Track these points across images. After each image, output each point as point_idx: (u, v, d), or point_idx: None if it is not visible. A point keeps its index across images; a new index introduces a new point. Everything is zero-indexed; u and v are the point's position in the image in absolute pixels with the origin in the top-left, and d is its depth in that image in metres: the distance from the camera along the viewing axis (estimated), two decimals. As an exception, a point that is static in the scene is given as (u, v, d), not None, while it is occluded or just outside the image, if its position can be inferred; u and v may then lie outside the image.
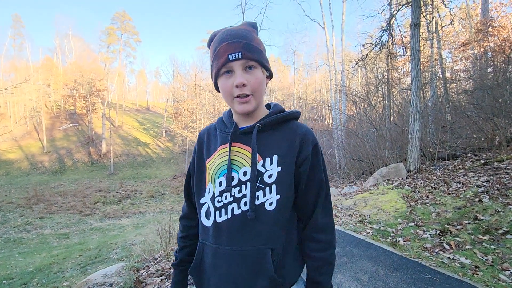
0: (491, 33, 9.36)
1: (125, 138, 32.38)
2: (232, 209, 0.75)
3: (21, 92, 28.41)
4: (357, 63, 9.39)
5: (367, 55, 8.68)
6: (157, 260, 3.13)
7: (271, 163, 0.76)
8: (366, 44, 8.62)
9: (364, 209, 4.64)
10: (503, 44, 8.22)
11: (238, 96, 0.75)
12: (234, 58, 0.72)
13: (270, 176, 0.75)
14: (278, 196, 0.74)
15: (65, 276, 4.26)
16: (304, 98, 31.85)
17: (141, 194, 18.25)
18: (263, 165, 0.76)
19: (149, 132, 35.54)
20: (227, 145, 0.79)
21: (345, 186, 7.56)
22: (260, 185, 0.75)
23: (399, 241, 3.29)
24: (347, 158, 11.42)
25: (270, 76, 0.82)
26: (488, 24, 9.50)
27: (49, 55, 41.92)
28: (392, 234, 3.55)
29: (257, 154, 0.76)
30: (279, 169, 0.75)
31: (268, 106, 0.88)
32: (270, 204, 0.74)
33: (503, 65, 7.42)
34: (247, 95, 0.75)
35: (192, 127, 29.64)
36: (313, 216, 0.80)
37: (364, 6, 24.70)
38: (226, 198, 0.76)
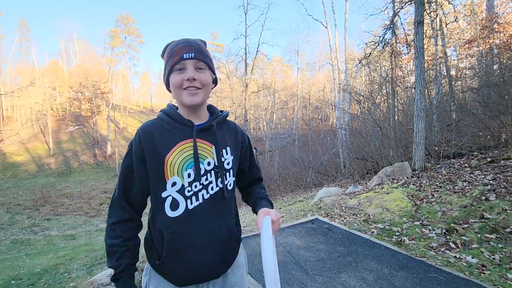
0: (496, 29, 9.21)
1: (130, 140, 32.57)
2: (202, 195, 0.88)
3: (28, 95, 28.81)
4: (360, 61, 9.32)
5: (370, 53, 8.61)
6: (161, 260, 3.14)
7: (227, 153, 0.95)
8: (369, 42, 8.56)
9: (369, 208, 4.59)
10: (509, 40, 8.10)
11: (187, 88, 0.86)
12: (187, 57, 0.85)
13: (228, 163, 0.94)
14: (233, 178, 0.97)
15: (71, 276, 4.29)
16: (307, 98, 31.74)
17: (146, 195, 18.35)
18: (222, 155, 0.93)
19: (154, 134, 35.67)
20: (189, 141, 0.88)
21: (349, 185, 7.50)
22: (223, 171, 0.93)
23: (404, 240, 3.26)
24: (351, 158, 11.34)
25: (215, 82, 0.97)
26: (494, 20, 9.36)
27: (55, 58, 42.44)
28: (397, 233, 3.52)
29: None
30: (232, 157, 0.96)
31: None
32: (230, 185, 0.94)
33: (510, 62, 7.31)
34: (198, 88, 0.87)
35: (196, 128, 29.67)
36: (256, 176, 1.14)
37: (367, 5, 24.54)
38: (196, 187, 0.87)
